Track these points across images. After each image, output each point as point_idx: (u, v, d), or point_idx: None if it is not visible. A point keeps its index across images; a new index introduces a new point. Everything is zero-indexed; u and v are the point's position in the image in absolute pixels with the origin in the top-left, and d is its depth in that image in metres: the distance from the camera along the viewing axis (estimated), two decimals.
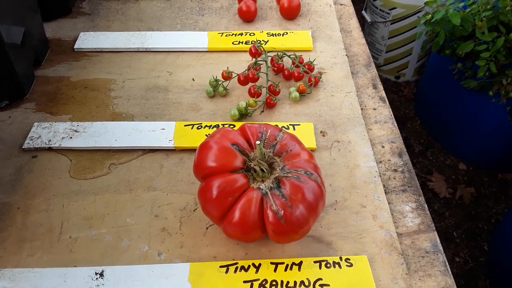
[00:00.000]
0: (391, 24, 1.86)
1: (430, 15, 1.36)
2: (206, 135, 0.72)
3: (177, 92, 0.81)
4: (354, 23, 0.99)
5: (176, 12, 0.99)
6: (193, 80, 0.83)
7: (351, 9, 1.03)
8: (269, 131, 0.59)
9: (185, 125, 0.73)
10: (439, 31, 1.37)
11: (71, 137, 0.71)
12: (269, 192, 0.54)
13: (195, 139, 0.71)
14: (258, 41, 0.88)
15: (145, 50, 0.89)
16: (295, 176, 0.55)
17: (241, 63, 0.86)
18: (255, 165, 0.55)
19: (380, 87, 0.83)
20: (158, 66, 0.86)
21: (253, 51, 0.81)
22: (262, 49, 0.82)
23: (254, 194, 0.54)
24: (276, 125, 0.61)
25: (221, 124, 0.73)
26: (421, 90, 1.86)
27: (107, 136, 0.71)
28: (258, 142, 0.55)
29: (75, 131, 0.73)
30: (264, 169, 0.55)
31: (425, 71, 1.83)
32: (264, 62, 0.80)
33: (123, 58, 0.88)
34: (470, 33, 1.38)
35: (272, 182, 0.55)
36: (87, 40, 0.91)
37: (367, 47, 0.93)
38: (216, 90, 0.80)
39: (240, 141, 0.57)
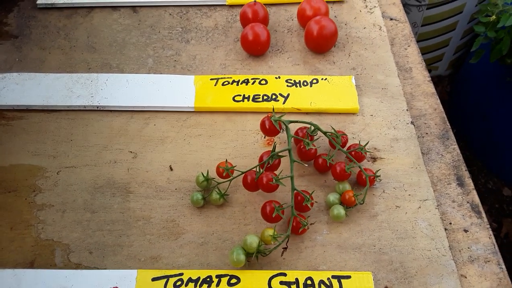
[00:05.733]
0: (426, 9, 1.51)
1: (494, 17, 1.02)
2: None
3: (144, 195, 0.50)
4: (413, 52, 0.66)
5: (148, 35, 0.65)
6: (171, 169, 0.52)
7: (407, 27, 0.69)
8: None
9: (153, 279, 0.43)
10: (503, 37, 1.04)
11: None
12: None
13: None
14: (276, 108, 0.56)
15: (96, 108, 0.57)
16: None
17: (247, 137, 0.55)
18: None
19: (469, 182, 0.52)
20: (115, 140, 0.54)
21: (268, 128, 0.50)
22: (283, 125, 0.50)
23: None
24: None
25: (215, 276, 0.43)
26: (458, 92, 1.54)
27: None
28: None
29: None
30: None
31: (464, 71, 1.51)
32: (285, 152, 0.48)
33: (60, 124, 0.56)
34: None
35: None
36: (7, 89, 0.58)
37: (438, 100, 0.61)
38: (208, 198, 0.49)
39: None
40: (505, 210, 1.35)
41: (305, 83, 0.58)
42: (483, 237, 0.48)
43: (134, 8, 0.69)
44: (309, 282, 0.43)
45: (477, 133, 1.46)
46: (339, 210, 0.47)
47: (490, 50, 1.12)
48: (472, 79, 1.45)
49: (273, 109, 0.51)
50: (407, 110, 0.57)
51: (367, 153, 0.51)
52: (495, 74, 1.27)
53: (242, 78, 0.59)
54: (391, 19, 0.70)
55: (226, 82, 0.58)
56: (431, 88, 0.62)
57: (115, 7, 0.68)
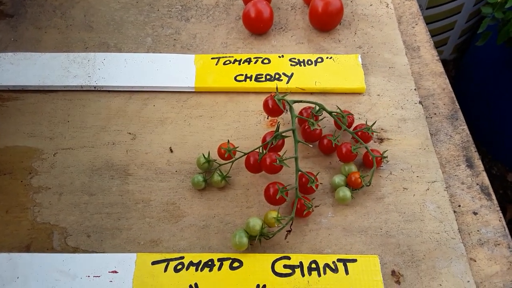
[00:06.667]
0: None
1: None
2: None
3: (143, 177, 0.48)
4: (421, 30, 0.64)
5: (146, 13, 0.63)
6: (171, 151, 0.50)
7: (414, 5, 0.67)
8: None
9: (153, 263, 0.42)
10: (510, 18, 1.02)
11: None
12: None
13: None
14: (280, 87, 0.54)
15: (93, 88, 0.55)
16: None
17: (249, 118, 0.53)
18: None
19: (479, 163, 0.50)
20: (113, 121, 0.53)
21: (271, 108, 0.48)
22: (287, 105, 0.48)
23: None
24: None
25: (217, 260, 0.42)
26: (463, 77, 1.51)
27: None
28: None
29: None
30: None
31: (469, 55, 1.48)
32: (289, 133, 0.47)
33: (57, 104, 0.54)
34: None
35: None
36: (2, 69, 0.56)
37: (447, 79, 0.59)
38: (210, 180, 0.47)
39: None
40: (509, 196, 1.33)
41: (309, 62, 0.56)
42: (493, 220, 0.46)
43: None
44: (313, 265, 0.41)
45: (481, 118, 1.43)
46: (345, 192, 0.45)
47: (497, 32, 1.09)
48: (478, 63, 1.42)
49: (277, 88, 0.49)
50: (415, 89, 0.55)
51: (374, 133, 0.50)
52: (501, 58, 1.25)
53: (244, 57, 0.57)
54: None
55: (228, 62, 0.56)
56: (439, 67, 0.60)
57: None
